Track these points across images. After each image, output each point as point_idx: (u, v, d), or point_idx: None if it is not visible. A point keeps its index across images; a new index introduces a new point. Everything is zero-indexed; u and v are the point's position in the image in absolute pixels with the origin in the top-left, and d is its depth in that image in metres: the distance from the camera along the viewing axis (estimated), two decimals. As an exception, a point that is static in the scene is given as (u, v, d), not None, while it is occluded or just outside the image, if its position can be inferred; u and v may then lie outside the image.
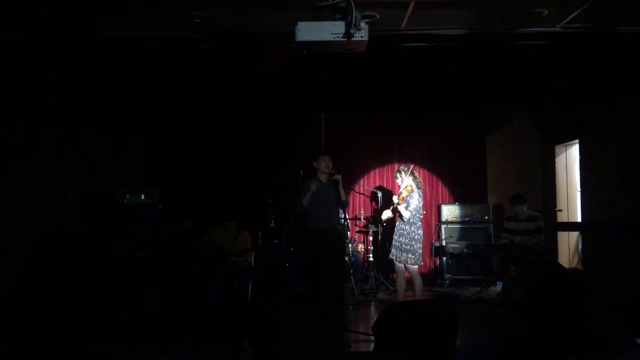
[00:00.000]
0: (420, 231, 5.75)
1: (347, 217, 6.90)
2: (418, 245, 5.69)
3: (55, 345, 1.22)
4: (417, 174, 5.91)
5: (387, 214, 5.96)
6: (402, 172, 5.85)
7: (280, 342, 4.75)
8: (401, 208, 5.68)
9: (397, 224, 5.83)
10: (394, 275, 6.31)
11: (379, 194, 7.68)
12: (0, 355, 1.22)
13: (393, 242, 5.84)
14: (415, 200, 5.69)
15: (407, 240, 5.68)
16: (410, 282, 5.84)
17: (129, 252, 5.35)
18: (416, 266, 5.71)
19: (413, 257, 5.66)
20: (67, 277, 1.30)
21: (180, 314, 4.65)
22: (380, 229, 7.53)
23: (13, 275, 1.31)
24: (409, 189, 5.73)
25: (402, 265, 5.78)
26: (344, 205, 5.42)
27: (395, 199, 5.81)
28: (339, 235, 5.50)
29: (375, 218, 7.66)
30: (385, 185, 8.20)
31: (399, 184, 5.89)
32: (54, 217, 5.77)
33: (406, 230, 5.71)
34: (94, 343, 1.28)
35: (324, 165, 5.38)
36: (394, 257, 5.79)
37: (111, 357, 1.28)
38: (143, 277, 5.28)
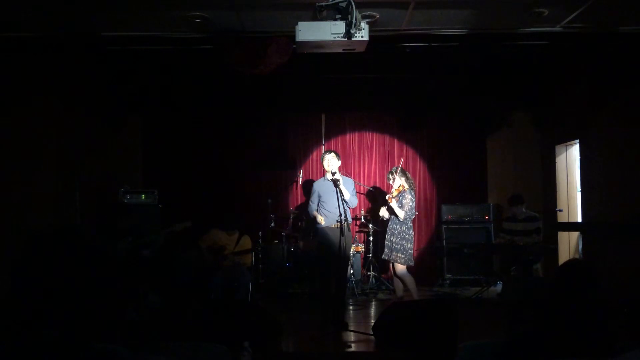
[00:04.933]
0: (412, 231, 5.84)
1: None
2: (409, 245, 5.75)
3: (55, 345, 1.22)
4: (409, 175, 6.00)
5: (383, 212, 6.02)
6: (393, 173, 5.94)
7: (280, 342, 4.77)
8: (394, 206, 5.74)
9: (390, 223, 5.90)
10: (390, 274, 6.33)
11: (372, 190, 7.67)
12: (1, 355, 1.22)
13: (385, 241, 5.92)
14: (409, 201, 5.74)
15: (397, 240, 5.75)
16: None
17: (129, 252, 5.35)
18: (404, 266, 5.74)
19: (403, 256, 5.71)
20: (67, 277, 1.30)
21: (180, 314, 4.64)
22: (379, 229, 7.52)
23: (13, 274, 1.31)
24: (400, 189, 5.81)
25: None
26: (349, 204, 5.36)
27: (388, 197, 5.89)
28: (348, 235, 5.49)
29: (372, 217, 7.67)
30: (384, 185, 8.20)
31: (391, 184, 5.97)
32: (54, 216, 5.77)
33: (397, 229, 5.78)
34: (94, 343, 1.27)
35: (326, 164, 5.37)
36: (385, 257, 5.89)
37: (111, 357, 1.28)
38: (143, 277, 5.27)
